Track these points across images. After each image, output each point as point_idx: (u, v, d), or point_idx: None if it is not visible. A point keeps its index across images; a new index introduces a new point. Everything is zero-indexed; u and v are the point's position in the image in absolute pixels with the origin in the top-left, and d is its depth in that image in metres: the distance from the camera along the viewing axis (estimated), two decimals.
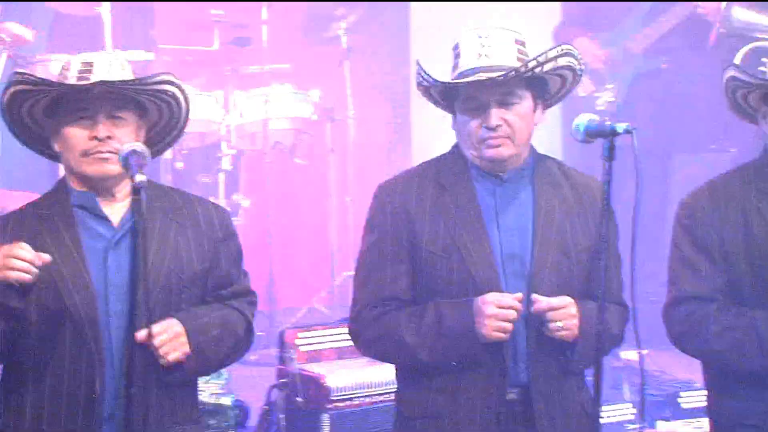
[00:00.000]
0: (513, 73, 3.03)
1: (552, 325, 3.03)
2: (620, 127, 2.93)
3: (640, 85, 6.10)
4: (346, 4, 6.51)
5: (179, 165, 5.97)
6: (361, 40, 6.63)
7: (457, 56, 3.10)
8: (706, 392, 3.33)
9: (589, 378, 3.04)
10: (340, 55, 6.47)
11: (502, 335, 3.00)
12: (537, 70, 3.05)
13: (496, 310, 2.99)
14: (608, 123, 2.95)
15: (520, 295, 3.01)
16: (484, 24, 3.19)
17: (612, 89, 6.08)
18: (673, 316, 3.22)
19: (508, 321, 2.99)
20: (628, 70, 6.10)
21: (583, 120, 2.99)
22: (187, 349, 2.93)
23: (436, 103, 3.22)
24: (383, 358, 3.26)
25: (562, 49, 3.08)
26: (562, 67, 3.10)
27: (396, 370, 3.25)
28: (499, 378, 3.05)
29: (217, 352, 3.03)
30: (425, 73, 3.08)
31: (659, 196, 6.09)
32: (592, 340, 2.94)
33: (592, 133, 2.98)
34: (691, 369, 4.88)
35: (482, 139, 3.07)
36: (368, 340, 3.16)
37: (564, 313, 3.02)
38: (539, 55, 3.05)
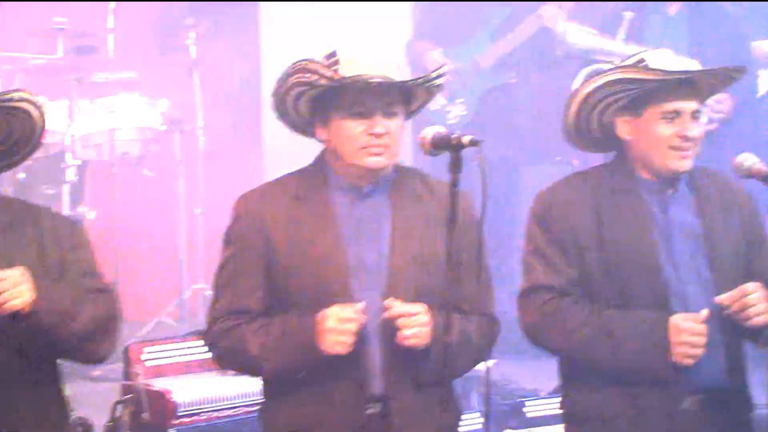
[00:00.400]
0: (420, 79, 3.10)
1: (402, 332, 3.03)
2: (465, 139, 2.97)
3: (489, 99, 6.20)
4: (195, 13, 6.43)
5: (21, 176, 5.80)
6: (210, 49, 6.56)
7: (334, 63, 3.10)
8: (560, 391, 3.39)
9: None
10: (189, 64, 6.39)
11: (341, 349, 3.00)
12: (435, 81, 3.13)
13: (335, 324, 3.00)
14: (454, 135, 2.99)
15: (361, 305, 3.02)
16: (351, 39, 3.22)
17: (462, 103, 6.17)
18: (528, 305, 3.27)
19: (349, 334, 3.00)
20: (479, 84, 6.19)
21: (429, 132, 3.03)
22: (28, 296, 2.83)
23: (288, 118, 3.19)
24: (235, 370, 3.28)
25: (446, 67, 3.18)
26: (440, 84, 3.18)
27: (263, 383, 3.24)
28: (357, 391, 3.06)
29: (73, 309, 2.93)
30: (327, 69, 3.06)
31: (507, 207, 6.20)
32: (449, 352, 2.97)
33: (438, 145, 3.02)
34: (536, 378, 4.99)
35: (364, 145, 3.09)
36: (220, 353, 3.18)
37: (415, 321, 3.03)
38: (437, 69, 3.13)
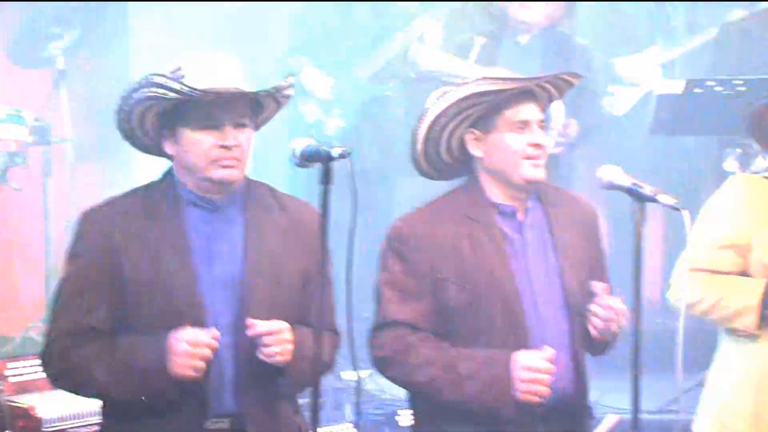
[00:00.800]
0: (272, 89, 3.09)
1: (267, 350, 3.02)
2: (336, 151, 2.99)
3: (367, 111, 6.24)
4: (62, 24, 6.31)
5: None
6: (78, 60, 6.44)
7: (181, 77, 3.07)
8: (413, 413, 3.41)
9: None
10: (56, 75, 6.26)
11: (193, 374, 2.96)
12: (284, 92, 3.13)
13: (188, 348, 2.95)
14: (324, 148, 3.01)
15: (215, 332, 2.98)
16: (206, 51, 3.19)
17: (340, 115, 6.19)
18: (377, 340, 3.28)
19: (202, 358, 2.96)
20: (356, 96, 6.22)
21: (299, 144, 3.04)
22: None
23: (133, 137, 3.14)
24: (73, 391, 3.17)
25: (292, 78, 3.16)
26: (289, 95, 3.17)
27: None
28: (205, 408, 3.03)
29: None
30: (175, 82, 3.02)
31: (383, 219, 6.23)
32: (305, 365, 3.00)
33: (308, 158, 3.04)
34: None
35: (215, 158, 3.06)
36: (56, 373, 3.10)
37: (280, 338, 3.03)
38: (285, 78, 3.13)
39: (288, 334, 3.03)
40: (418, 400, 3.35)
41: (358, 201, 2.91)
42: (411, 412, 3.40)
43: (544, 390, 3.15)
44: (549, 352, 3.16)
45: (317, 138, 3.15)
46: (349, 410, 4.63)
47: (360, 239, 6.18)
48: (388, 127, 6.28)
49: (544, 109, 3.34)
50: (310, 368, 2.99)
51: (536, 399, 3.15)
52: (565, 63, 5.59)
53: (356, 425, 4.35)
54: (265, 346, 3.01)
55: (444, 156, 3.33)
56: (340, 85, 6.17)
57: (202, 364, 2.96)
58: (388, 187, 6.36)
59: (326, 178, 2.98)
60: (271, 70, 5.88)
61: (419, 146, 3.31)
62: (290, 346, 3.03)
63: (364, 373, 4.47)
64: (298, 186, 5.05)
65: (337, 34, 6.24)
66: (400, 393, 5.05)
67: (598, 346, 3.33)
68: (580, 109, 5.52)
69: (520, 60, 5.60)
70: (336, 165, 3.01)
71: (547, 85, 3.31)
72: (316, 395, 2.99)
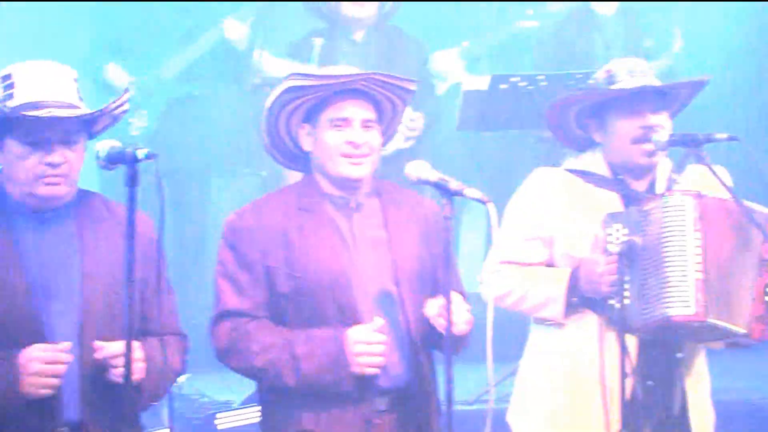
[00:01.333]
0: (97, 112, 3.02)
1: (115, 371, 2.98)
2: (141, 153, 2.96)
3: (174, 111, 6.15)
4: None
5: None
6: None
7: (9, 86, 2.99)
8: (260, 407, 3.43)
9: None
10: None
11: (48, 391, 2.93)
12: (116, 111, 3.09)
13: (41, 367, 2.91)
14: (129, 149, 2.96)
15: (68, 344, 2.94)
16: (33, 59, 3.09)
17: (145, 115, 6.08)
18: (217, 332, 3.32)
19: (57, 376, 2.92)
20: (162, 95, 6.12)
21: (104, 147, 3.00)
22: None
23: None
24: None
25: (128, 95, 3.15)
26: (125, 110, 3.14)
27: None
28: (51, 419, 2.96)
29: None
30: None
31: (199, 219, 6.16)
32: (157, 377, 3.04)
33: (113, 160, 2.99)
34: (230, 388, 5.00)
35: (40, 175, 2.99)
36: None
37: (122, 360, 2.95)
38: (123, 94, 3.10)
39: (139, 353, 2.98)
40: (265, 393, 3.36)
41: (172, 202, 2.87)
42: (259, 401, 3.41)
43: (379, 360, 3.24)
44: (378, 322, 3.23)
45: (122, 139, 3.08)
46: (166, 415, 4.56)
47: (177, 239, 6.05)
48: (199, 127, 6.20)
49: (378, 110, 3.37)
50: (163, 379, 3.03)
51: (372, 370, 3.23)
52: (401, 57, 5.68)
53: (173, 430, 4.30)
54: (116, 367, 2.96)
55: (293, 150, 3.39)
56: (145, 85, 6.06)
57: (56, 381, 2.91)
58: (203, 187, 6.28)
59: (132, 180, 2.95)
60: (74, 69, 5.71)
61: (265, 140, 3.39)
62: (142, 364, 2.99)
63: (181, 378, 4.42)
64: (108, 188, 4.92)
65: (141, 33, 6.11)
66: (219, 396, 5.07)
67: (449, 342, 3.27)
68: (422, 103, 5.59)
69: (357, 57, 5.63)
70: (144, 166, 2.96)
71: (379, 89, 3.33)
72: None
